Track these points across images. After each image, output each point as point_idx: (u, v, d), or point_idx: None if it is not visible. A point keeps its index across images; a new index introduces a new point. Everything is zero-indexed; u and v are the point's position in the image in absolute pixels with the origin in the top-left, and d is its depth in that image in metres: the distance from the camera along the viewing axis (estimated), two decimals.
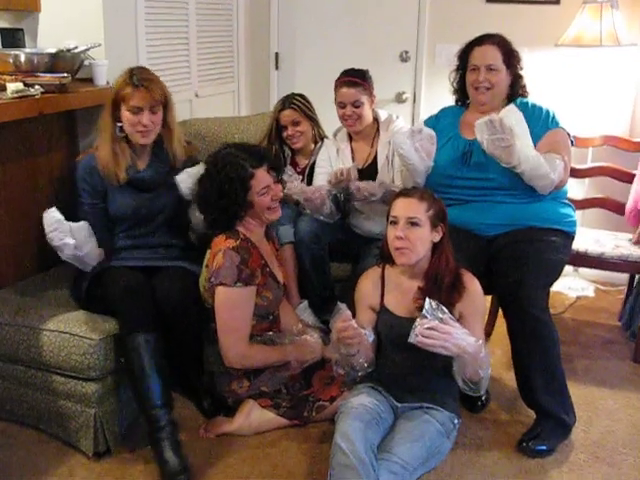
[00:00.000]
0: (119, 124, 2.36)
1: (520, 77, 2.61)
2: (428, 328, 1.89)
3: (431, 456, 2.05)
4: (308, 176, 2.95)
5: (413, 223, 2.08)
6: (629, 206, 3.12)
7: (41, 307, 2.33)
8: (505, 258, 2.38)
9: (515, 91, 2.61)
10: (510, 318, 2.32)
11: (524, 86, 2.65)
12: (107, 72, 2.70)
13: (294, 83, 4.09)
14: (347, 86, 2.76)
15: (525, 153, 2.36)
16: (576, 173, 3.25)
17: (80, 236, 2.26)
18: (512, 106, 2.48)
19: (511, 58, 2.56)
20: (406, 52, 3.90)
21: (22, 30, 2.83)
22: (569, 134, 2.60)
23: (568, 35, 3.34)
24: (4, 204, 2.44)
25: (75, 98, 2.55)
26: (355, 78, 2.76)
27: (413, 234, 2.08)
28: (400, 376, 2.18)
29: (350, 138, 2.91)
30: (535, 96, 2.69)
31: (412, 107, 3.97)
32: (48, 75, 2.48)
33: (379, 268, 2.26)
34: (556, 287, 2.98)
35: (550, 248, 2.41)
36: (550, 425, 2.29)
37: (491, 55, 2.53)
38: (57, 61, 2.58)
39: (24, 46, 2.81)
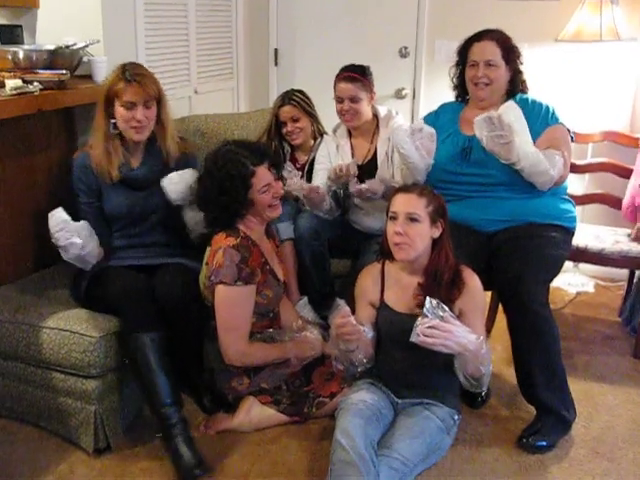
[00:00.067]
0: (112, 121, 2.34)
1: (520, 73, 2.61)
2: (429, 327, 1.89)
3: (431, 452, 2.05)
4: (308, 172, 2.95)
5: (412, 219, 2.08)
6: (626, 202, 3.12)
7: (41, 305, 2.33)
8: (505, 254, 2.38)
9: (515, 87, 2.61)
10: (510, 314, 2.32)
11: (524, 82, 2.65)
12: (106, 69, 2.69)
13: (293, 79, 4.08)
14: (345, 81, 2.76)
15: (524, 149, 2.36)
16: (576, 169, 3.25)
17: (82, 235, 2.25)
18: (511, 102, 2.48)
19: (510, 54, 2.55)
20: (405, 48, 3.89)
21: (21, 26, 2.83)
22: (569, 130, 2.59)
23: (568, 30, 3.33)
24: (3, 202, 2.44)
25: (74, 95, 2.55)
26: (354, 74, 2.76)
27: (412, 230, 2.08)
28: (400, 372, 2.19)
29: (350, 134, 2.91)
30: (535, 92, 2.69)
31: (411, 103, 3.96)
32: (47, 72, 2.48)
33: (379, 264, 2.26)
34: (556, 283, 2.98)
35: (550, 244, 2.41)
36: (550, 421, 2.29)
37: (490, 51, 2.53)
38: (56, 58, 2.57)
39: (23, 43, 2.81)
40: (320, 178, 2.81)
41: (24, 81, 2.35)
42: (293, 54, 4.13)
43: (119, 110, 2.31)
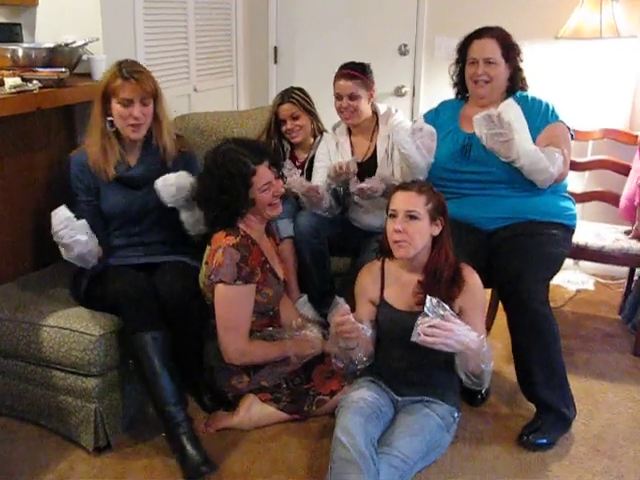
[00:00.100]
0: (109, 118, 2.33)
1: (520, 70, 2.61)
2: (430, 326, 1.89)
3: (431, 450, 2.05)
4: (307, 170, 2.95)
5: (412, 216, 2.08)
6: (623, 200, 3.12)
7: (41, 303, 2.33)
8: (505, 251, 2.38)
9: (515, 84, 2.60)
10: (510, 311, 2.32)
11: (524, 79, 2.64)
12: (105, 67, 2.67)
13: (293, 77, 4.08)
14: (345, 78, 2.76)
15: (524, 147, 2.36)
16: (576, 166, 3.25)
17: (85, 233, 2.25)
18: (510, 100, 2.48)
19: (510, 51, 2.55)
20: (405, 45, 3.89)
21: (20, 24, 2.83)
22: (569, 127, 2.59)
23: (568, 27, 3.33)
24: (2, 200, 2.44)
25: (73, 93, 2.54)
26: (353, 71, 2.75)
27: (412, 227, 2.08)
28: (400, 370, 2.18)
29: (349, 132, 2.91)
30: (535, 89, 2.68)
31: (411, 101, 3.96)
32: (46, 70, 2.48)
33: (379, 262, 2.26)
34: (556, 280, 2.97)
35: (550, 241, 2.41)
36: (550, 418, 2.29)
37: (490, 48, 2.52)
38: (55, 56, 2.57)
39: (22, 41, 2.81)
40: (320, 176, 2.81)
41: (23, 79, 2.35)
42: (293, 52, 4.13)
43: (116, 107, 2.30)
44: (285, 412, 2.36)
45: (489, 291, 2.90)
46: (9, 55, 2.51)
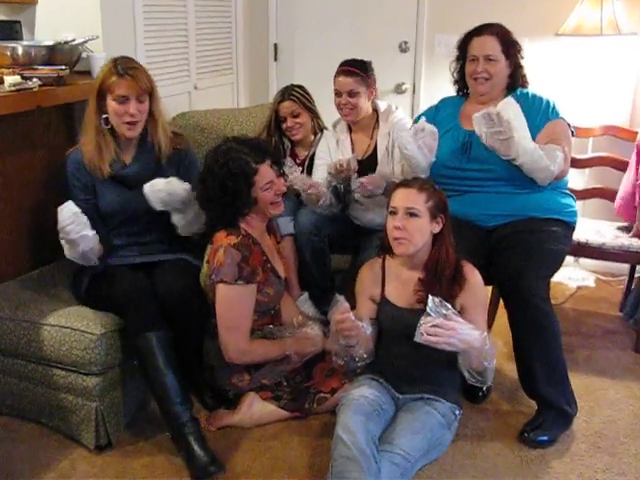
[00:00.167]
0: (104, 115, 2.31)
1: (520, 67, 2.60)
2: (433, 326, 1.89)
3: (432, 447, 2.05)
4: (308, 167, 2.95)
5: (412, 214, 2.07)
6: (618, 199, 3.11)
7: (41, 302, 2.33)
8: (506, 248, 2.38)
9: (515, 81, 2.60)
10: (511, 309, 2.32)
11: (524, 76, 2.64)
12: None
13: (293, 74, 4.08)
14: (344, 75, 2.75)
15: (523, 145, 2.35)
16: (576, 163, 3.24)
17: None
18: (509, 99, 2.47)
19: (510, 48, 2.54)
20: (405, 42, 3.88)
21: (19, 22, 2.82)
22: (569, 124, 2.58)
23: (568, 24, 3.32)
24: (2, 198, 2.43)
25: (73, 91, 2.54)
26: (353, 68, 2.75)
27: (411, 224, 2.07)
28: (401, 367, 2.18)
29: (350, 129, 2.90)
30: (535, 86, 2.68)
31: (412, 98, 3.95)
32: (46, 68, 2.47)
33: (380, 259, 2.26)
34: (557, 277, 2.96)
35: (551, 238, 2.40)
36: (551, 415, 2.29)
37: (490, 45, 2.52)
38: (55, 54, 2.57)
39: (21, 39, 2.80)
40: (320, 173, 2.81)
41: (23, 77, 2.34)
42: (293, 49, 4.12)
43: (111, 104, 2.27)
44: (286, 410, 2.36)
45: (489, 288, 2.90)
46: (9, 53, 2.50)
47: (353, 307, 2.09)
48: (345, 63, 2.79)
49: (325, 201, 2.70)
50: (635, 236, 2.98)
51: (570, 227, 2.54)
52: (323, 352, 2.39)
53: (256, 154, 2.26)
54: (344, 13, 3.94)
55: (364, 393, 2.11)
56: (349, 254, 2.90)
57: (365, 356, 2.14)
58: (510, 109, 2.38)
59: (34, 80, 2.36)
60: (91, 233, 2.20)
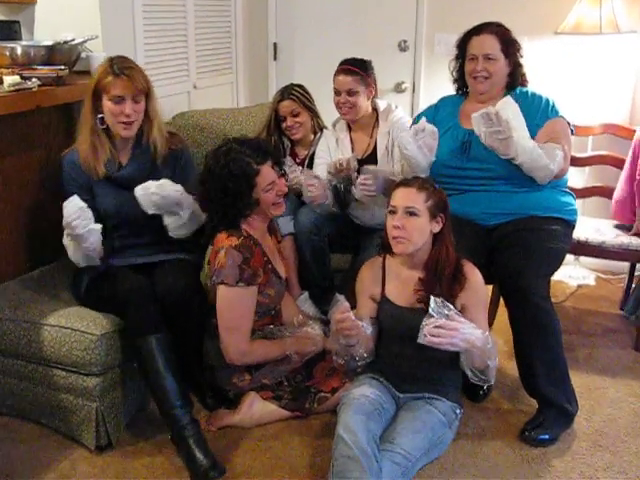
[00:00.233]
0: (100, 115, 2.29)
1: (519, 66, 2.60)
2: (435, 327, 1.89)
3: (433, 446, 2.05)
4: (308, 167, 2.94)
5: (411, 213, 2.07)
6: (613, 202, 3.11)
7: (42, 302, 2.32)
8: (506, 247, 2.38)
9: (514, 80, 2.60)
10: (512, 307, 2.32)
11: (524, 75, 2.64)
12: None
13: (293, 74, 4.07)
14: (344, 74, 2.76)
15: (522, 145, 2.35)
16: (576, 162, 3.24)
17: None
18: (508, 98, 2.47)
19: (510, 47, 2.54)
20: (405, 41, 3.88)
21: (18, 22, 2.82)
22: (569, 123, 2.58)
23: (568, 23, 3.32)
24: (2, 199, 2.43)
25: (72, 91, 2.53)
26: (353, 67, 2.75)
27: (410, 224, 2.07)
28: (402, 366, 2.18)
29: (349, 128, 2.90)
30: (535, 85, 2.68)
31: (411, 97, 3.95)
32: (45, 68, 2.46)
33: (380, 258, 2.26)
34: (557, 276, 2.97)
35: (551, 237, 2.40)
36: (552, 414, 2.29)
37: (489, 44, 2.52)
38: (54, 53, 2.56)
39: (20, 38, 2.80)
40: (320, 172, 2.80)
41: (22, 77, 2.34)
42: (292, 48, 4.12)
43: (107, 104, 2.26)
44: (286, 410, 2.35)
45: (490, 287, 2.90)
46: (8, 53, 2.49)
47: (353, 306, 2.09)
48: (345, 62, 2.79)
49: (327, 199, 2.69)
50: (635, 234, 2.98)
51: (570, 225, 2.54)
52: (324, 351, 2.39)
53: (257, 155, 2.24)
54: (344, 12, 3.94)
55: (365, 392, 2.11)
56: (349, 253, 2.90)
57: (365, 355, 2.14)
58: (509, 108, 2.38)
59: (33, 80, 2.35)
60: (97, 227, 2.18)
